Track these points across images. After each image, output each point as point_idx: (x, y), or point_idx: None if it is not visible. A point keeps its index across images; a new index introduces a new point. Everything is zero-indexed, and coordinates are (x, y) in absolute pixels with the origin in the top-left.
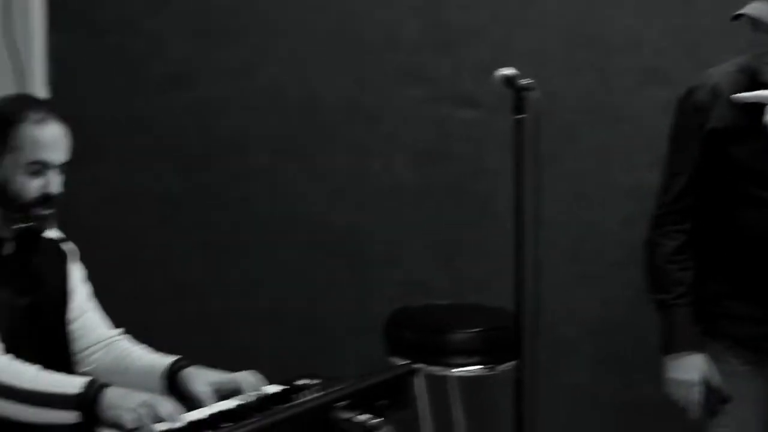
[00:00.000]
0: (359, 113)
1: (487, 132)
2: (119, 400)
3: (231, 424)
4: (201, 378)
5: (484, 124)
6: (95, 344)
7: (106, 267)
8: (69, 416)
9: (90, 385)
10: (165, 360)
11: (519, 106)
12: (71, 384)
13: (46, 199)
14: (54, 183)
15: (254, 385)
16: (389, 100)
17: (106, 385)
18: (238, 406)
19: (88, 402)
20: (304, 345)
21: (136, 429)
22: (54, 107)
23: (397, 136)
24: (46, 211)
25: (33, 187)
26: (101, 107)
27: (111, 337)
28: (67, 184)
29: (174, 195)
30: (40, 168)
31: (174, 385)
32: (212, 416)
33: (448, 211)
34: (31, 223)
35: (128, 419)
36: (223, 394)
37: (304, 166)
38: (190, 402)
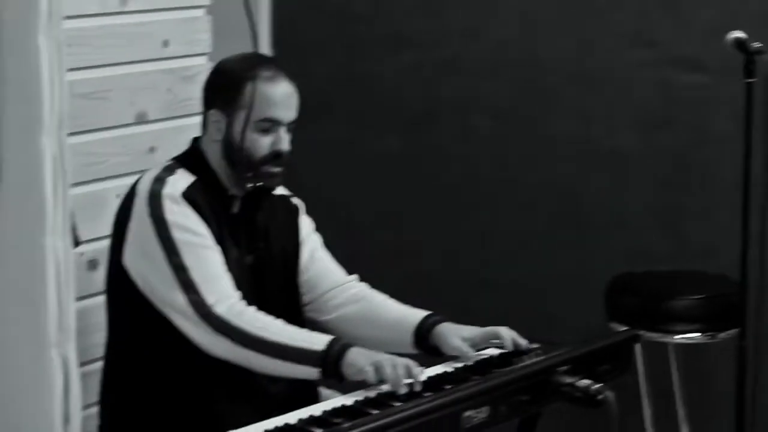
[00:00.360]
0: (582, 76)
1: (714, 96)
2: (362, 358)
3: (450, 386)
4: (456, 333)
5: (710, 88)
6: (332, 290)
7: (328, 226)
8: (311, 372)
9: (334, 343)
10: (417, 314)
11: (750, 70)
12: (316, 340)
13: (276, 156)
14: (284, 140)
15: (511, 339)
16: (613, 63)
17: (349, 345)
18: (456, 369)
19: (331, 359)
20: (524, 308)
21: (380, 383)
22: (282, 66)
23: (620, 100)
24: (276, 169)
25: (263, 144)
26: (325, 67)
27: (348, 283)
28: (292, 142)
29: (396, 155)
30: (270, 125)
31: (425, 340)
32: (430, 378)
33: (672, 177)
34: (262, 183)
35: (371, 375)
36: (479, 349)
37: (527, 129)
38: (441, 357)
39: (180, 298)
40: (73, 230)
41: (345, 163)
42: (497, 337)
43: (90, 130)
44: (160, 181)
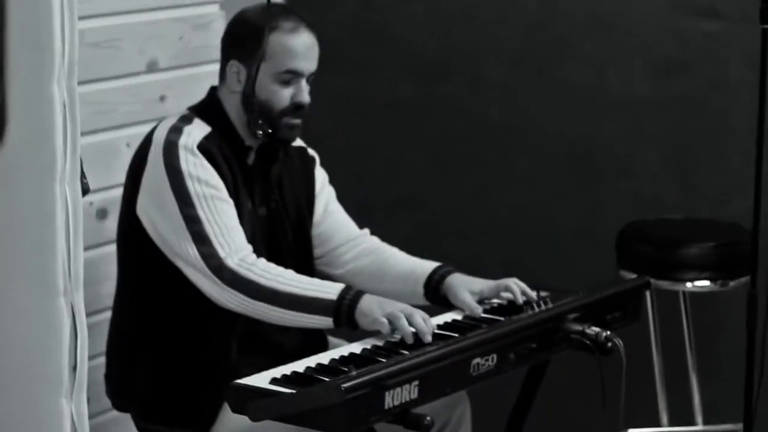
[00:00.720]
0: (597, 23)
1: (729, 43)
2: (375, 308)
3: (459, 334)
4: (466, 286)
5: (725, 34)
6: (344, 244)
7: (339, 176)
8: (324, 321)
9: (346, 292)
10: (426, 266)
11: (766, 16)
12: (328, 289)
13: (296, 108)
14: (304, 92)
15: (520, 292)
16: (628, 10)
17: (361, 293)
18: (465, 316)
19: (344, 308)
20: (534, 256)
21: (393, 332)
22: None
23: (634, 47)
24: (296, 121)
25: (284, 96)
26: (337, 16)
27: (359, 237)
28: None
29: (408, 104)
30: (291, 77)
31: (436, 292)
32: (438, 326)
33: (686, 125)
34: (278, 133)
35: (385, 327)
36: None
37: (540, 77)
38: (452, 308)
39: (191, 250)
40: (81, 179)
41: (356, 112)
42: (507, 289)
43: (100, 78)
44: (176, 130)
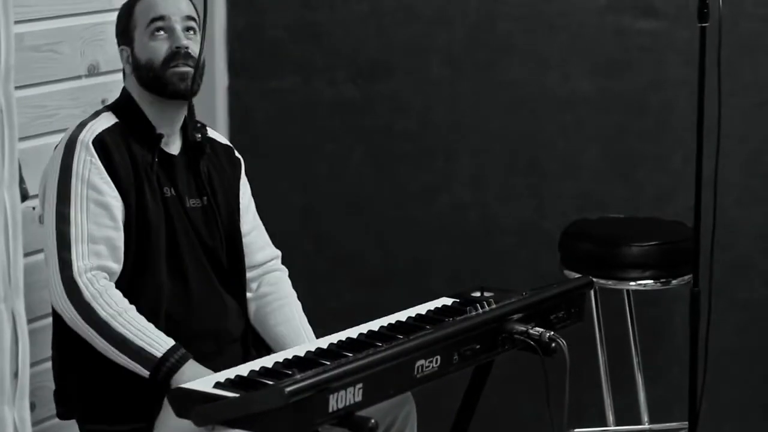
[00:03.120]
0: (538, 23)
1: (668, 42)
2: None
3: (403, 336)
4: None
5: (664, 33)
6: (255, 268)
7: (282, 177)
8: (142, 372)
9: (171, 354)
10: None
11: (703, 15)
12: (157, 345)
13: (175, 54)
14: (181, 37)
15: None
16: (569, 9)
17: (186, 358)
18: (409, 318)
19: (164, 370)
20: (478, 256)
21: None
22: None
23: (576, 46)
24: (183, 69)
25: (162, 47)
26: (279, 15)
27: (267, 263)
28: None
29: (352, 104)
30: (162, 25)
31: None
32: (383, 328)
33: (627, 123)
34: (168, 87)
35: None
36: None
37: (482, 76)
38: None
39: (52, 250)
40: (20, 184)
41: (299, 113)
42: None
43: (41, 82)
44: (81, 126)
